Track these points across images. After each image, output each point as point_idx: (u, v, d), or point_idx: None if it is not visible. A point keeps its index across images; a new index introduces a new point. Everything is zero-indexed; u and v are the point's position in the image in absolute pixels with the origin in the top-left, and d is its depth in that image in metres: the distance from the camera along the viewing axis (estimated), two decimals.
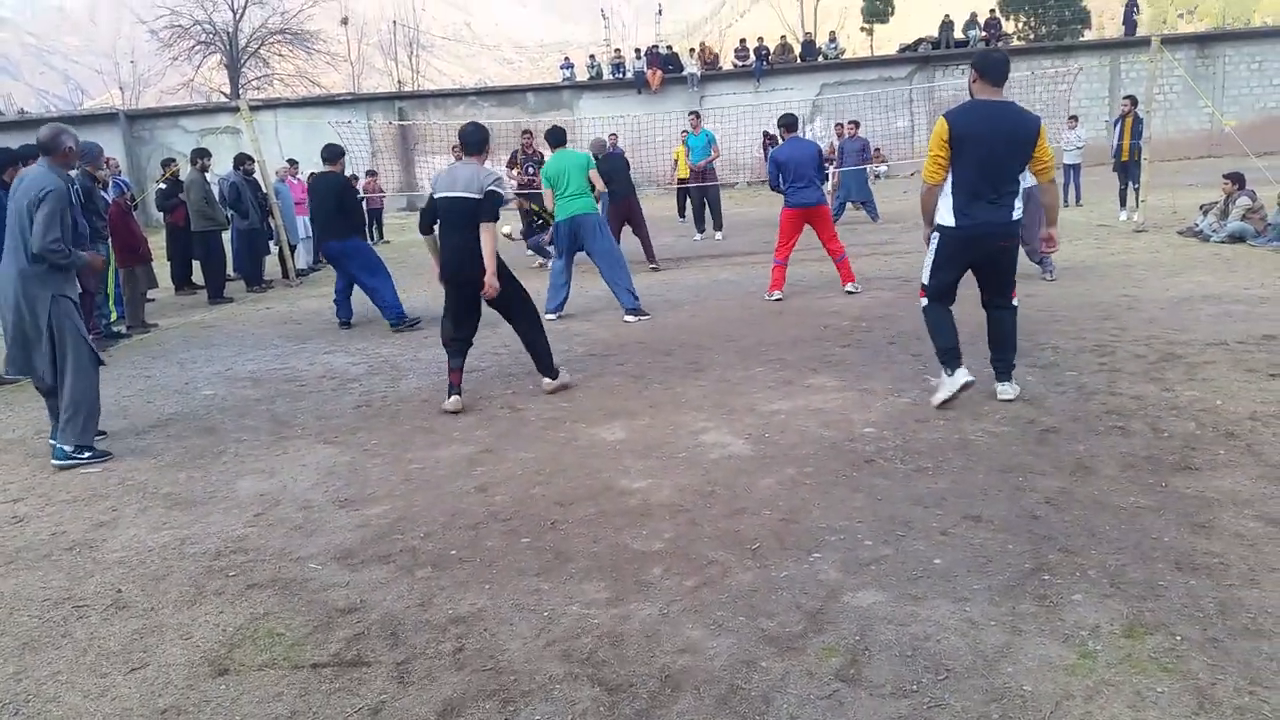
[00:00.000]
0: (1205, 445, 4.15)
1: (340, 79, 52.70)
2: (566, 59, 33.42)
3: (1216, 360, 5.50)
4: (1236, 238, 10.24)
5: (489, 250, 5.47)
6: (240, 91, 36.36)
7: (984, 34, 29.66)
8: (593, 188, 8.34)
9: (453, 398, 5.61)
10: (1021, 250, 5.32)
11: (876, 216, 15.46)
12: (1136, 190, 12.52)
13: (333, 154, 8.86)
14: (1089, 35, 38.36)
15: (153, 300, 10.92)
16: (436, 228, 5.68)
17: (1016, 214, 4.74)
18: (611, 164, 11.51)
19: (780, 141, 8.92)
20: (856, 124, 16.77)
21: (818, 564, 3.25)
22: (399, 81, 50.59)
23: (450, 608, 3.13)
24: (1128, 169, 13.11)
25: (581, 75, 31.60)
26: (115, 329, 9.19)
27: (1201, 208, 11.34)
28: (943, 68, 28.62)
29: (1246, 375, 5.16)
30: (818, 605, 2.96)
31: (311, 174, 8.82)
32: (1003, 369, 5.03)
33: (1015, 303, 4.98)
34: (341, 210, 8.62)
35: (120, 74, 61.72)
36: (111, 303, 9.26)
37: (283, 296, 11.76)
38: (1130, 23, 29.81)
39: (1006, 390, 4.99)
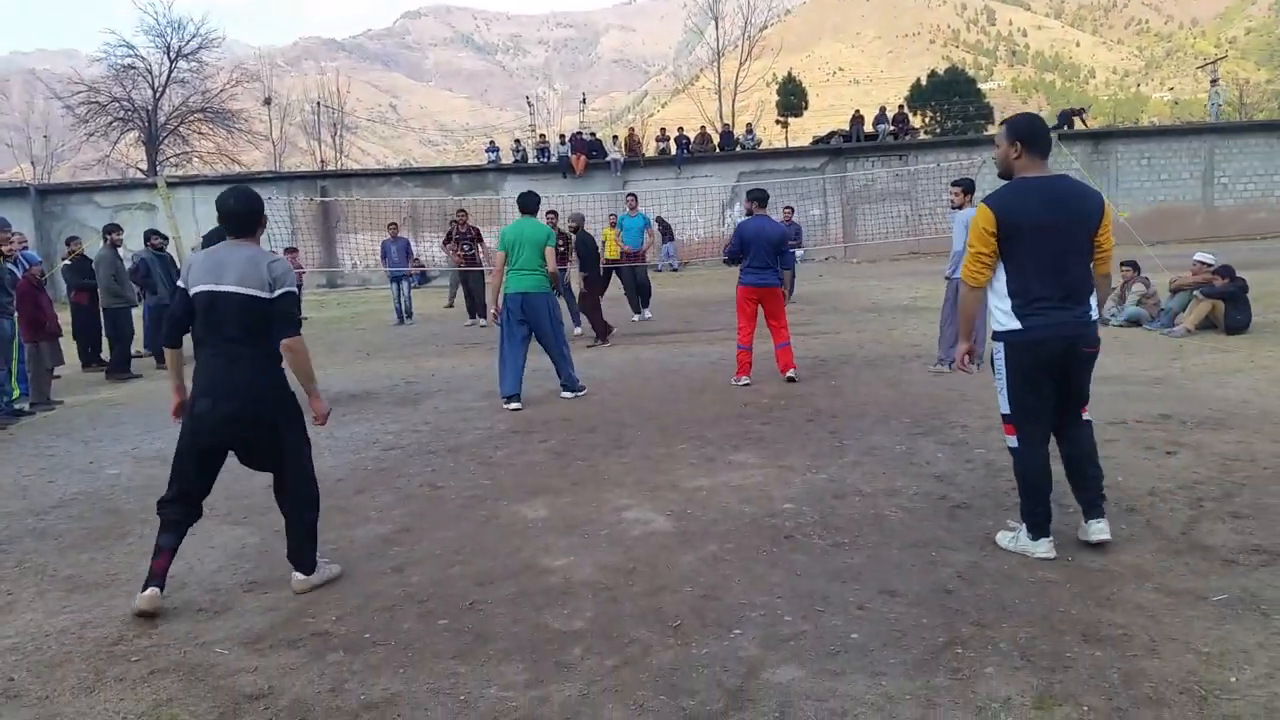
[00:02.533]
0: (1109, 520, 4.29)
1: (261, 157, 52.44)
2: (492, 142, 33.93)
3: (1117, 438, 5.74)
4: (1133, 322, 10.79)
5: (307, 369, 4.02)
6: (158, 168, 35.82)
7: (893, 128, 31.11)
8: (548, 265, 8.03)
9: (149, 590, 3.73)
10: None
11: (790, 294, 15.82)
12: None
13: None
14: (992, 130, 40.56)
15: (59, 377, 10.53)
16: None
17: (1094, 313, 3.82)
18: (586, 240, 12.15)
19: (750, 214, 8.50)
20: (791, 209, 17.39)
21: (738, 640, 3.26)
22: (322, 161, 50.59)
23: (363, 693, 3.03)
24: None
25: (507, 158, 32.05)
26: (17, 406, 8.81)
27: None
28: (853, 159, 29.86)
29: (1145, 452, 5.40)
30: (738, 683, 2.96)
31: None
32: (1091, 503, 3.94)
33: (1087, 416, 4.01)
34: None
35: (32, 148, 60.35)
36: (14, 379, 8.89)
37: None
38: (1066, 121, 31.19)
39: (1101, 529, 3.89)
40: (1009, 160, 3.88)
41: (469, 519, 4.87)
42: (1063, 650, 3.05)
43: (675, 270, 26.85)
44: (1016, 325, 3.76)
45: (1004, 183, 3.96)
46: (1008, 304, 3.78)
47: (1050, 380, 3.80)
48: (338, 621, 3.62)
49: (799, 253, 16.31)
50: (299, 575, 3.96)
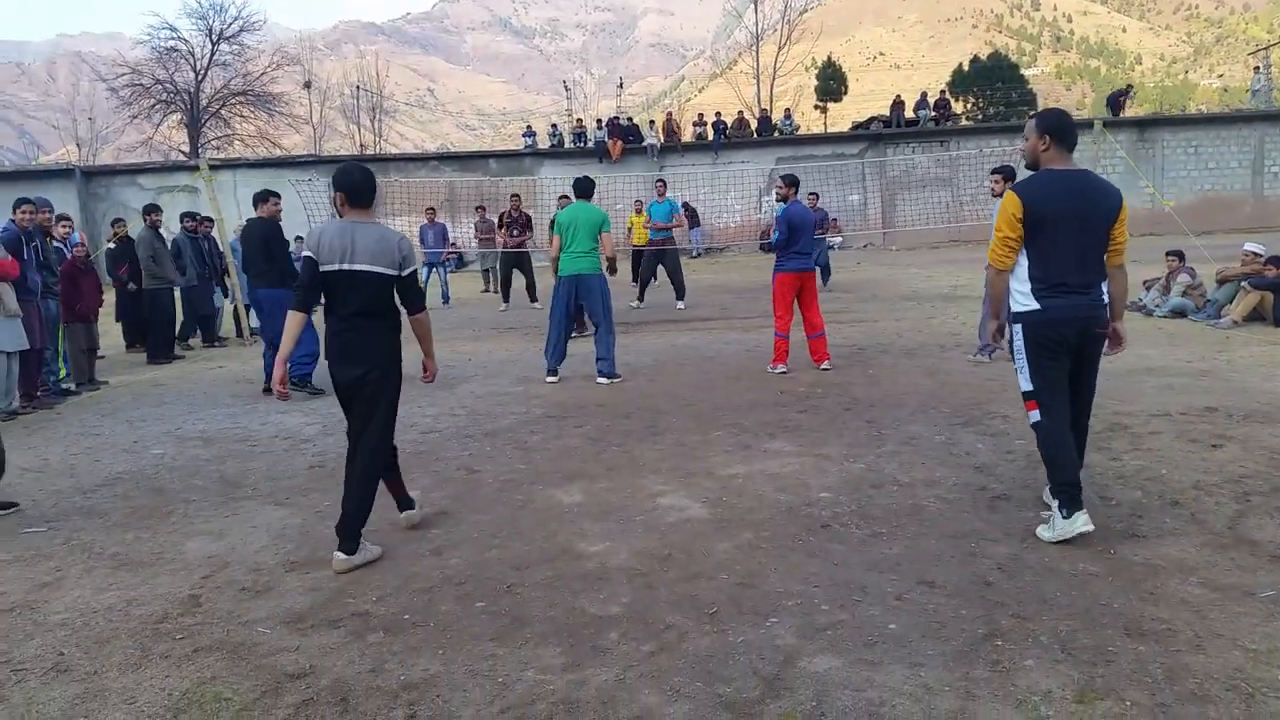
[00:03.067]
0: (1151, 513, 4.24)
1: (301, 141, 52.95)
2: (529, 127, 33.93)
3: (1161, 431, 5.65)
4: (1178, 313, 10.59)
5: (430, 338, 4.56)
6: (200, 150, 36.28)
7: (934, 114, 30.68)
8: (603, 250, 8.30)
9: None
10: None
11: (826, 281, 15.73)
12: None
13: (259, 197, 8.30)
14: None
15: (103, 357, 10.73)
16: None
17: (1105, 298, 4.07)
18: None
19: (788, 199, 8.37)
20: (816, 195, 17.18)
21: (774, 629, 3.25)
22: (361, 145, 50.91)
23: (402, 673, 3.07)
24: None
25: (543, 143, 32.06)
26: (64, 385, 9.00)
27: (1145, 284, 11.73)
28: (893, 145, 29.49)
29: (1189, 445, 5.31)
30: (775, 671, 2.96)
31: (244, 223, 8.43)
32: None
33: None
34: (269, 257, 8.13)
35: (77, 130, 61.40)
36: (61, 359, 9.08)
37: (236, 355, 11.62)
38: (1115, 105, 30.72)
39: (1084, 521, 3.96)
40: (1036, 152, 4.09)
41: (505, 503, 4.91)
42: (1104, 644, 3.02)
43: (696, 256, 26.70)
44: (1035, 305, 3.98)
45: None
46: (1028, 286, 4.00)
47: (1066, 358, 4.01)
48: (378, 602, 3.67)
49: (837, 239, 16.13)
50: (340, 555, 4.03)
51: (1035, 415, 4.06)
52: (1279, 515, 4.13)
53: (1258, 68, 36.14)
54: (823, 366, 8.31)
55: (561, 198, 14.41)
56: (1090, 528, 3.89)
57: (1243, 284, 9.93)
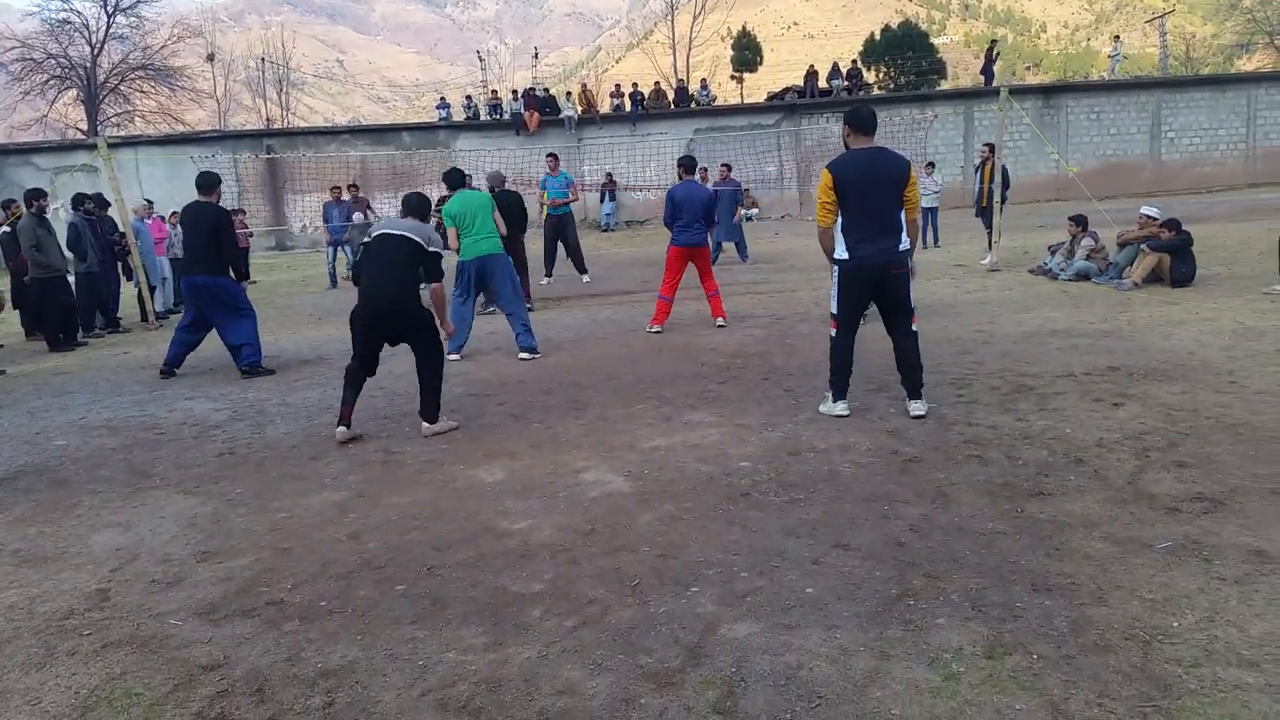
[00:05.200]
0: (1057, 471, 4.40)
1: (206, 116, 51.13)
2: (442, 99, 33.32)
3: (1065, 391, 5.85)
4: (1082, 276, 10.96)
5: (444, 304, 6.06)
6: (98, 128, 34.71)
7: (846, 83, 31.06)
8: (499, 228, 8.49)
9: (340, 428, 5.78)
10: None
11: (746, 256, 15.90)
12: (989, 232, 13.26)
13: (208, 181, 8.10)
14: (944, 85, 40.67)
15: (2, 346, 10.23)
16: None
17: (903, 245, 5.26)
18: (508, 199, 11.33)
19: (681, 179, 9.25)
20: (729, 166, 17.25)
21: (695, 598, 3.29)
22: (268, 119, 49.34)
23: (320, 661, 3.02)
24: (988, 214, 13.75)
25: (458, 115, 31.52)
26: None
27: (1050, 248, 12.10)
28: (808, 115, 29.80)
29: (1093, 404, 5.51)
30: (695, 639, 2.99)
31: (186, 205, 8.11)
32: (912, 389, 5.50)
33: (915, 329, 5.49)
34: (217, 243, 7.91)
35: None
36: None
37: (141, 340, 11.21)
38: (989, 72, 31.64)
39: (918, 407, 5.45)
40: (844, 138, 5.42)
41: (425, 484, 4.85)
42: (1012, 600, 3.12)
43: (613, 229, 26.63)
44: (846, 256, 5.28)
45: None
46: (843, 240, 5.29)
47: (864, 293, 5.41)
48: (293, 590, 3.59)
49: (753, 211, 16.25)
50: (427, 424, 5.75)
51: (833, 332, 5.53)
52: (1175, 470, 4.32)
53: (1117, 37, 37.43)
54: (718, 322, 9.15)
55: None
56: (847, 413, 5.51)
57: (1141, 247, 10.31)
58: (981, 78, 31.94)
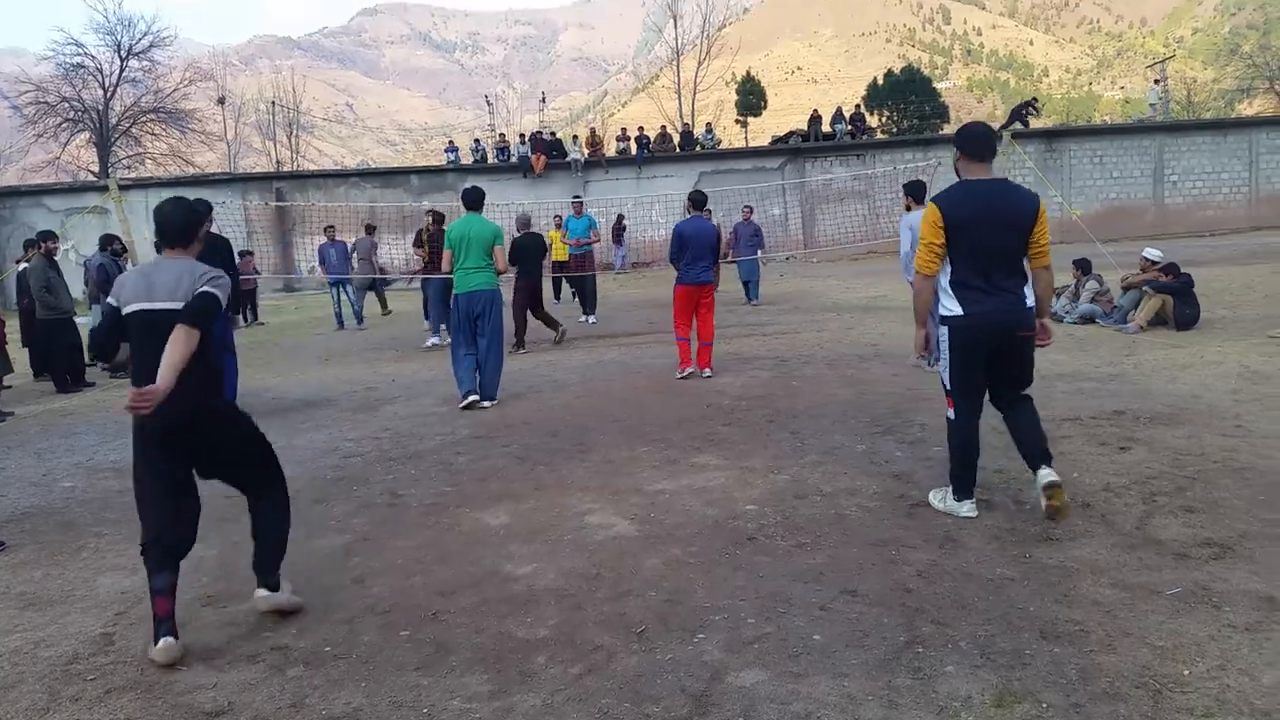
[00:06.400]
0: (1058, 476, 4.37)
1: (216, 158, 51.68)
2: (451, 142, 33.72)
3: (1071, 435, 5.84)
4: (1087, 319, 10.98)
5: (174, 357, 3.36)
6: (110, 170, 35.13)
7: (850, 127, 31.36)
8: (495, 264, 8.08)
9: (163, 640, 3.36)
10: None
11: (756, 298, 16.01)
12: None
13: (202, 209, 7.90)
14: (947, 129, 41.04)
15: (9, 387, 10.27)
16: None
17: (1030, 300, 4.30)
18: (532, 240, 11.76)
19: (687, 215, 8.94)
20: (750, 209, 17.50)
21: (702, 644, 3.27)
22: (277, 161, 49.96)
23: (324, 708, 3.00)
24: None
25: (466, 158, 31.88)
26: None
27: (1055, 291, 12.11)
28: (812, 159, 30.08)
29: (1099, 448, 5.50)
30: (702, 687, 2.97)
31: None
32: (1036, 454, 4.32)
33: (1027, 392, 4.50)
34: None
35: None
36: None
37: None
38: (1020, 118, 30.40)
39: (1049, 473, 4.23)
40: (955, 164, 4.42)
41: (430, 527, 4.84)
42: (1021, 647, 3.10)
43: (622, 272, 26.77)
44: (959, 310, 4.25)
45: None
46: (952, 292, 4.28)
47: (985, 358, 4.31)
48: (298, 635, 3.58)
49: (760, 253, 16.40)
50: (265, 590, 3.72)
51: (950, 412, 4.45)
52: (1183, 514, 4.30)
53: (1157, 80, 37.77)
54: (704, 373, 8.76)
55: (428, 212, 14.38)
56: (974, 514, 4.40)
57: (1144, 289, 10.34)
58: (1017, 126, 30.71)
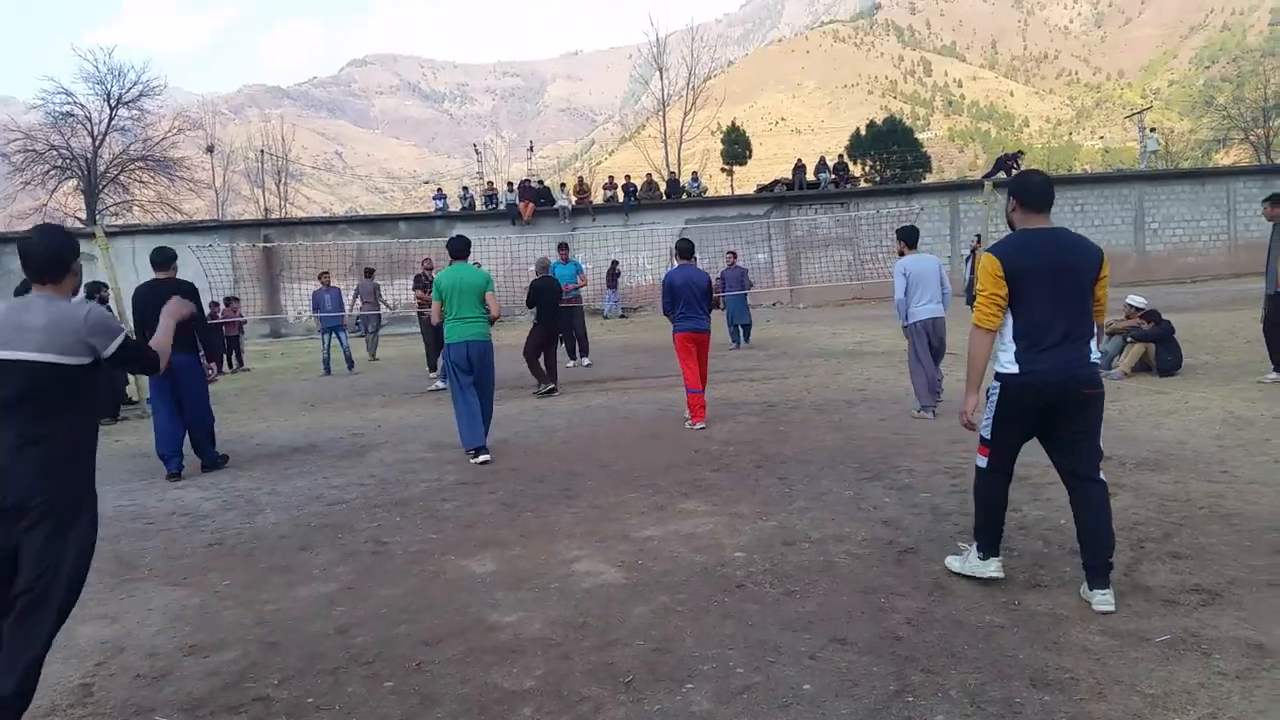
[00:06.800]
0: (1052, 563, 4.37)
1: (204, 205, 51.83)
2: (439, 190, 33.95)
3: (1058, 481, 5.81)
4: None
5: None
6: (97, 217, 35.16)
7: (834, 176, 31.76)
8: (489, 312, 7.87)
9: None
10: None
11: (745, 341, 16.18)
12: None
13: (164, 258, 7.66)
14: (930, 178, 41.63)
15: None
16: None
17: (1094, 355, 4.05)
18: (546, 284, 12.01)
19: (674, 264, 8.97)
20: (734, 254, 17.78)
21: (690, 695, 3.23)
22: (265, 209, 50.11)
23: None
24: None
25: (454, 205, 32.07)
26: None
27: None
28: (796, 206, 30.43)
29: None
30: None
31: (142, 285, 7.77)
32: (1099, 571, 3.85)
33: (1103, 476, 4.04)
34: (187, 321, 7.29)
35: None
36: None
37: (134, 428, 11.16)
38: (1005, 168, 30.81)
39: (1105, 601, 3.77)
40: (1010, 215, 4.13)
41: (416, 575, 4.78)
42: (1011, 696, 3.07)
43: (622, 317, 26.93)
44: (1014, 369, 3.91)
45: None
46: (1011, 348, 3.94)
47: (1034, 419, 3.97)
48: (280, 685, 3.52)
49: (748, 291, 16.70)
50: None
51: (981, 461, 4.13)
52: (1171, 561, 4.30)
53: (1152, 129, 38.51)
54: (697, 425, 8.52)
55: (424, 260, 14.47)
56: (1000, 575, 4.11)
57: (1127, 338, 10.43)
58: (992, 168, 31.06)
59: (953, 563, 4.32)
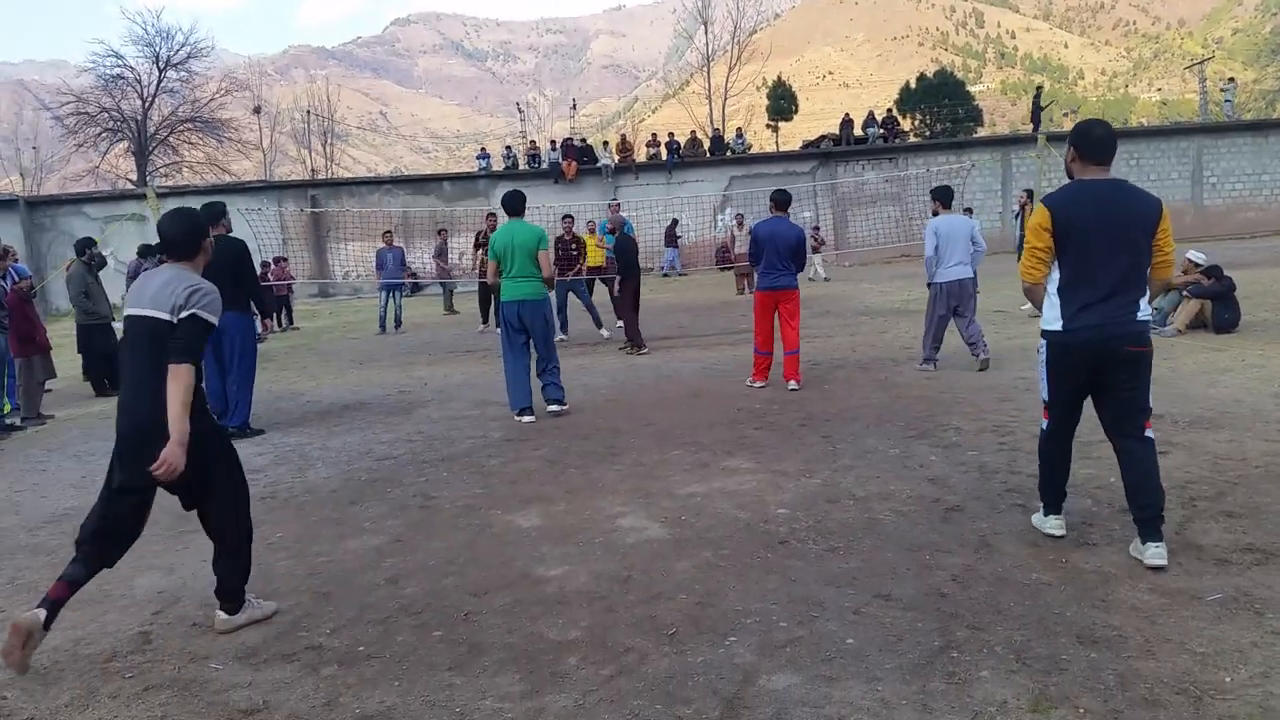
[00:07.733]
0: (1101, 521, 4.32)
1: (252, 166, 52.47)
2: (482, 149, 33.99)
3: (1107, 439, 5.74)
4: None
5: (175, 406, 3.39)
6: (148, 178, 35.75)
7: (882, 131, 31.19)
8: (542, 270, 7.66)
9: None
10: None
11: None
12: None
13: (213, 214, 7.29)
14: (981, 132, 40.70)
15: (50, 391, 10.47)
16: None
17: (1144, 314, 3.84)
18: (622, 242, 12.10)
19: (771, 214, 8.47)
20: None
21: (734, 647, 3.25)
22: (312, 169, 50.56)
23: (358, 706, 3.02)
24: None
25: (498, 165, 32.09)
26: (9, 421, 8.76)
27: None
28: (843, 163, 29.94)
29: None
30: (734, 690, 2.95)
31: None
32: (1148, 524, 3.78)
33: (1150, 434, 3.91)
34: (236, 279, 7.21)
35: (21, 160, 60.25)
36: (4, 394, 8.84)
37: None
38: (1037, 119, 31.25)
39: (1156, 554, 3.71)
40: (1068, 165, 4.00)
41: (463, 529, 4.86)
42: (1058, 653, 3.05)
43: (682, 275, 26.83)
44: (1058, 326, 3.87)
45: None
46: (1057, 302, 3.89)
47: (1086, 377, 3.90)
48: (332, 635, 3.61)
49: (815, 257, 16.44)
50: (224, 613, 3.73)
51: (1044, 424, 4.16)
52: (1223, 520, 4.23)
53: (1231, 79, 37.35)
54: (789, 385, 8.19)
55: (489, 215, 14.36)
56: (1059, 533, 4.13)
57: (1183, 292, 10.17)
58: (1031, 125, 31.56)
59: (1035, 517, 4.33)
